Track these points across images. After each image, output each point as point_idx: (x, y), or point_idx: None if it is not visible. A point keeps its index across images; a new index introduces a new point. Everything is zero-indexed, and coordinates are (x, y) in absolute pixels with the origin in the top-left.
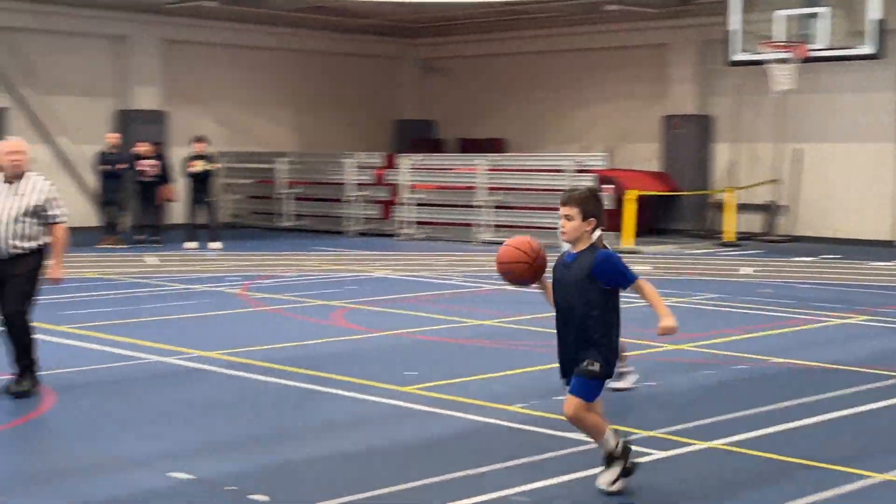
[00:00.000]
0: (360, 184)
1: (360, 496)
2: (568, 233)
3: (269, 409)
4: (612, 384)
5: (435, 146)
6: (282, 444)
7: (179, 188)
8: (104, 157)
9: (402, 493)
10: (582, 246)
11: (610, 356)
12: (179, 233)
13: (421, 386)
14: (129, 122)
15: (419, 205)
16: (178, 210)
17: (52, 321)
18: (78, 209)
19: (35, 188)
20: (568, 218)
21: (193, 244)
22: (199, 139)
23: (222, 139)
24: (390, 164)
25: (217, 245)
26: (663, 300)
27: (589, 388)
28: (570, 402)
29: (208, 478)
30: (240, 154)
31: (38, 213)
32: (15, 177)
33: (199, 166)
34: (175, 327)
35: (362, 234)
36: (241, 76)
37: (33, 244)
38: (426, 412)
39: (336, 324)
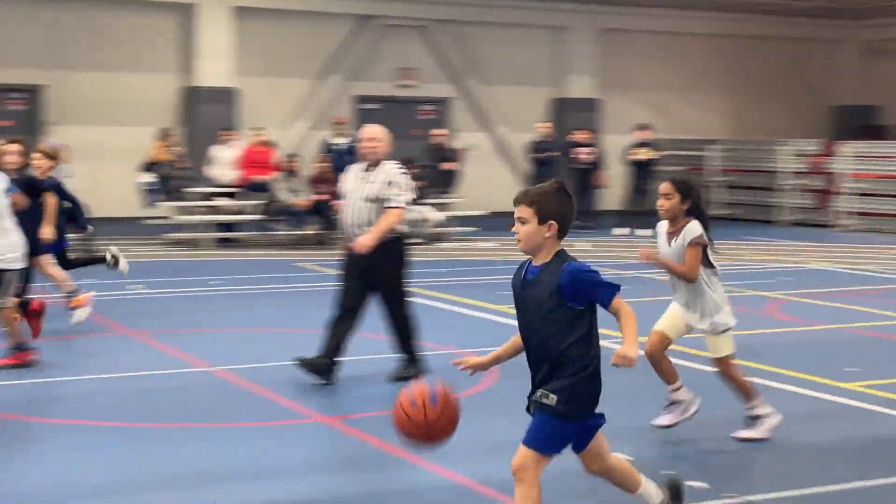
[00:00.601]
0: (795, 172)
1: (805, 492)
2: (521, 240)
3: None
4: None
5: (878, 133)
6: (718, 432)
7: (612, 175)
8: (536, 146)
9: (858, 491)
10: (544, 258)
11: (578, 394)
12: (609, 219)
13: (864, 383)
14: (564, 110)
15: (861, 195)
16: (609, 196)
17: (492, 301)
18: (512, 195)
19: (385, 176)
20: (521, 221)
21: (624, 230)
22: (643, 127)
23: (653, 126)
24: (828, 152)
25: (648, 232)
26: (636, 331)
27: (542, 432)
28: (519, 453)
29: (646, 459)
30: (671, 141)
31: (383, 200)
32: (372, 164)
33: (641, 154)
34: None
35: (796, 223)
36: (673, 63)
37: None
38: (871, 411)
39: (771, 315)
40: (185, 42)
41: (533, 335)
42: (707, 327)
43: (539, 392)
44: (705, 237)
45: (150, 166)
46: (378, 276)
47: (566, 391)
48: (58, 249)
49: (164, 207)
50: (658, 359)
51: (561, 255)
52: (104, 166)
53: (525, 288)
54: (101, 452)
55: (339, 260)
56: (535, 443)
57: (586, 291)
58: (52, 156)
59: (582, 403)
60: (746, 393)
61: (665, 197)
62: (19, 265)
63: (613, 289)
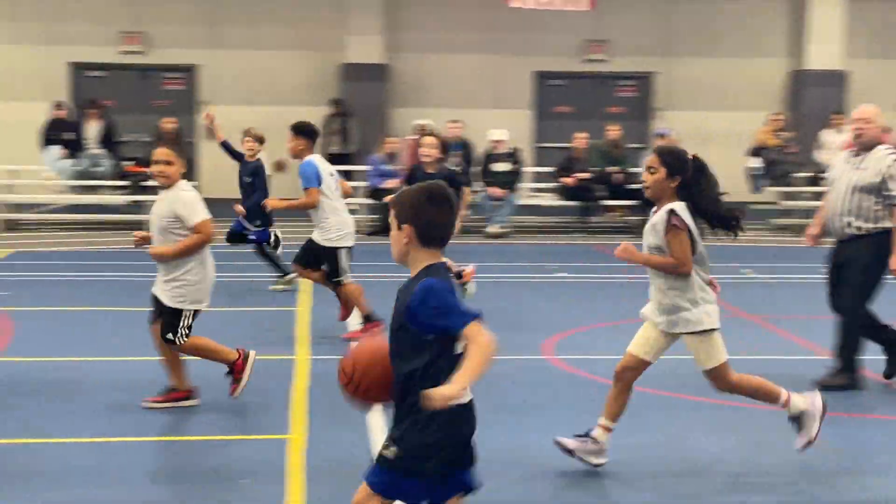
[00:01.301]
0: None
1: None
2: (392, 248)
3: None
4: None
5: None
6: None
7: None
8: None
9: None
10: (414, 270)
11: (420, 445)
12: None
13: None
14: None
15: None
16: None
17: None
18: None
19: (877, 163)
20: (391, 226)
21: None
22: None
23: None
24: None
25: None
26: (482, 367)
27: (380, 477)
28: (360, 490)
29: None
30: None
31: (877, 191)
32: (862, 148)
33: None
34: None
35: None
36: None
37: (869, 225)
38: None
39: None
40: (794, 25)
41: (392, 359)
42: (664, 323)
43: (384, 443)
44: (684, 219)
45: (757, 151)
46: (844, 272)
47: (407, 443)
48: (265, 237)
49: (770, 192)
50: (622, 384)
51: (429, 271)
52: (712, 150)
53: (395, 302)
54: (712, 429)
55: (827, 253)
56: (375, 485)
57: (433, 321)
58: (261, 140)
59: (426, 459)
60: (768, 393)
61: (648, 171)
62: (348, 243)
63: (466, 316)
